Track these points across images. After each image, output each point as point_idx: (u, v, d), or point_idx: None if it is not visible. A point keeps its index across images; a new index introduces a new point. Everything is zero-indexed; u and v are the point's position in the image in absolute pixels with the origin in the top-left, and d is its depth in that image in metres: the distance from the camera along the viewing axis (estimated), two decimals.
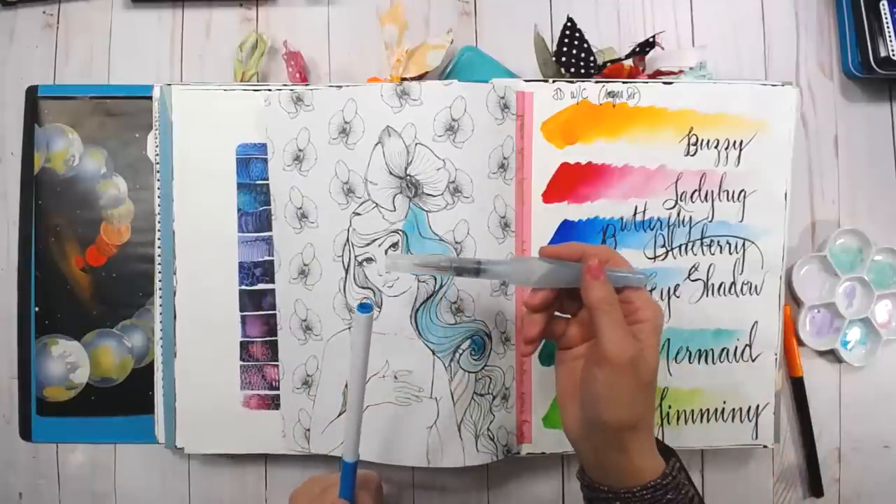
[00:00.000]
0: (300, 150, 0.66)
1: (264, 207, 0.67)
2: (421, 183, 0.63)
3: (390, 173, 0.63)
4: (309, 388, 0.66)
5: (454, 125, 0.63)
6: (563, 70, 0.69)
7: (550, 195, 0.66)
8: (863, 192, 0.76)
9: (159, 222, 0.68)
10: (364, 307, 0.51)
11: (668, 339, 0.68)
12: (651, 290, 0.68)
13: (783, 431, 0.74)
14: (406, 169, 0.63)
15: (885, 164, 0.76)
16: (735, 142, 0.67)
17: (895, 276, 0.75)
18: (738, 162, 0.67)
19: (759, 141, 0.67)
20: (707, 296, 0.68)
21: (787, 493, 0.74)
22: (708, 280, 0.68)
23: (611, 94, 0.66)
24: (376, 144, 0.63)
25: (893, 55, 0.71)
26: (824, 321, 0.75)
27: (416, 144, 0.63)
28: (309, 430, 0.67)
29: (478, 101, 0.63)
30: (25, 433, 0.73)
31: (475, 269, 0.53)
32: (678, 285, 0.68)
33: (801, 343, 0.74)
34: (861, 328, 0.75)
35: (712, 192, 0.67)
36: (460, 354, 0.64)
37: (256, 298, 0.68)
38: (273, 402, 0.68)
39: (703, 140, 0.67)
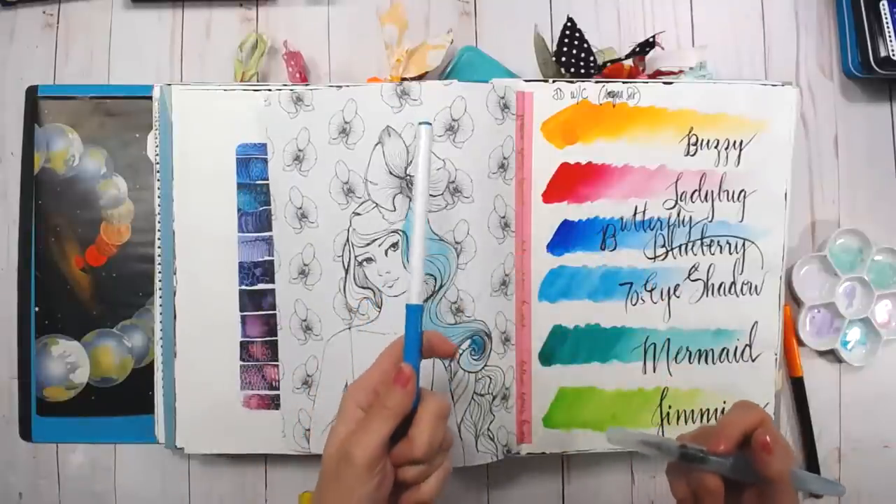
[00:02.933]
0: (300, 150, 0.66)
1: (264, 207, 0.67)
2: None
3: (390, 173, 0.63)
4: (309, 388, 0.66)
5: (454, 125, 0.63)
6: (563, 70, 0.69)
7: (550, 195, 0.66)
8: (863, 192, 0.76)
9: (159, 222, 0.68)
10: (426, 122, 0.51)
11: (668, 339, 0.68)
12: (651, 291, 0.68)
13: (783, 431, 0.74)
14: (406, 169, 0.63)
15: (885, 164, 0.76)
16: (735, 142, 0.67)
17: (895, 276, 0.74)
18: (738, 162, 0.67)
19: (759, 141, 0.67)
20: (707, 296, 0.68)
21: None
22: (708, 280, 0.68)
23: (611, 94, 0.66)
24: (376, 144, 0.63)
25: (893, 55, 0.71)
26: (824, 321, 0.75)
27: (416, 144, 0.63)
28: (309, 430, 0.67)
29: (478, 101, 0.63)
30: (25, 433, 0.73)
31: (701, 458, 0.48)
32: (678, 285, 0.68)
33: (801, 343, 0.74)
34: (861, 328, 0.75)
35: (712, 192, 0.67)
36: (460, 354, 0.64)
37: (256, 298, 0.68)
38: (273, 402, 0.68)
39: (703, 140, 0.67)
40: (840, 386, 0.75)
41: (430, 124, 0.51)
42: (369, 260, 0.64)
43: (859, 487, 0.75)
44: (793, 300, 0.75)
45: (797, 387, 0.74)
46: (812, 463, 0.74)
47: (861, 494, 0.75)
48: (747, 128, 0.67)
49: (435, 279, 0.63)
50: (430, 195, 0.63)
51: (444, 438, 0.51)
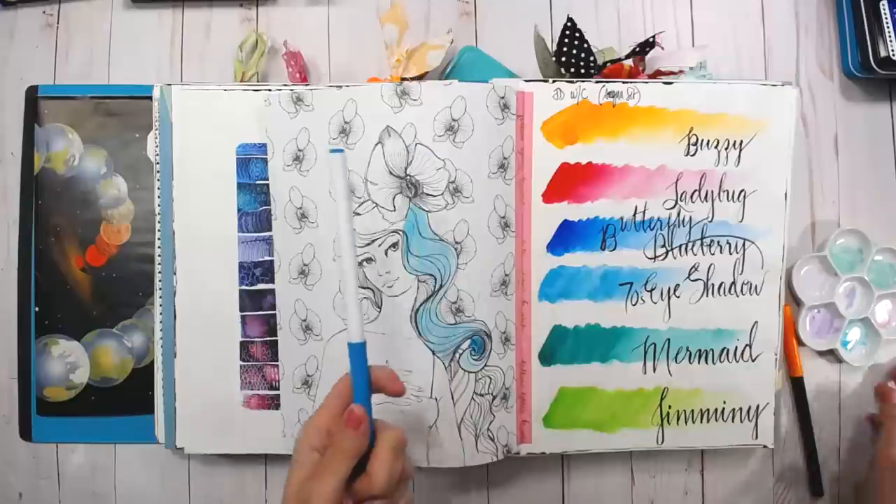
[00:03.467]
0: (300, 150, 0.66)
1: (264, 207, 0.67)
2: (421, 183, 0.63)
3: (390, 173, 0.63)
4: (309, 388, 0.66)
5: (454, 125, 0.63)
6: (563, 70, 0.69)
7: (550, 195, 0.66)
8: (863, 192, 0.76)
9: (159, 222, 0.68)
10: (336, 150, 0.50)
11: (668, 340, 0.68)
12: (651, 291, 0.68)
13: (782, 431, 0.74)
14: (406, 169, 0.63)
15: (885, 164, 0.76)
16: (735, 142, 0.67)
17: (895, 276, 0.74)
18: (738, 162, 0.67)
19: (759, 141, 0.67)
20: (707, 296, 0.68)
21: (787, 493, 0.74)
22: (708, 280, 0.68)
23: (611, 94, 0.66)
24: (376, 144, 0.63)
25: (893, 55, 0.71)
26: (824, 321, 0.75)
27: (416, 144, 0.63)
28: None
29: (478, 101, 0.63)
30: (25, 433, 0.73)
31: None
32: (678, 285, 0.68)
33: (801, 343, 0.74)
34: (861, 328, 0.75)
35: (712, 192, 0.67)
36: (460, 354, 0.64)
37: (256, 298, 0.68)
38: (273, 402, 0.68)
39: (703, 140, 0.67)
40: (840, 386, 0.75)
41: (342, 151, 0.51)
42: (369, 260, 0.64)
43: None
44: (793, 300, 0.75)
45: (797, 387, 0.74)
46: (812, 463, 0.74)
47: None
48: (747, 128, 0.67)
49: (435, 279, 0.63)
50: (431, 195, 0.63)
51: (403, 470, 0.51)
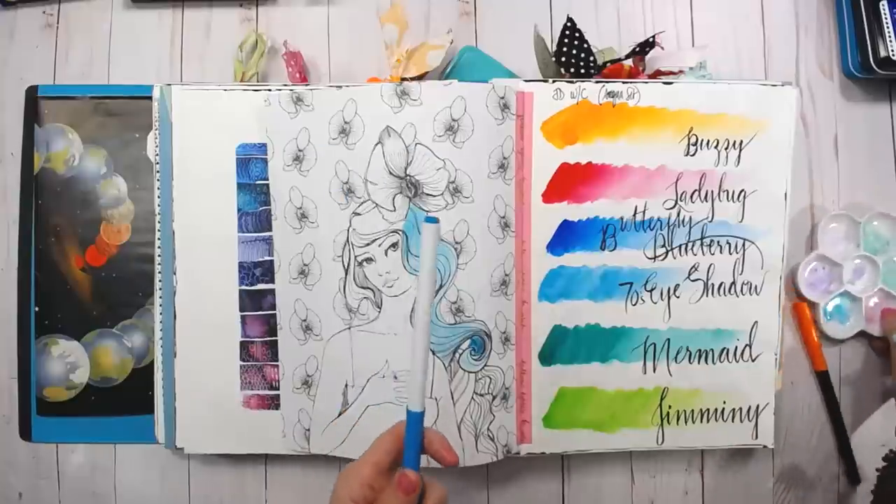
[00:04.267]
0: (300, 151, 0.66)
1: (264, 207, 0.67)
2: (421, 183, 0.63)
3: (390, 173, 0.63)
4: (309, 388, 0.66)
5: (454, 125, 0.63)
6: (563, 70, 0.69)
7: (550, 195, 0.66)
8: (863, 192, 0.76)
9: (159, 222, 0.68)
10: (431, 219, 0.46)
11: (668, 340, 0.68)
12: (651, 291, 0.68)
13: (782, 431, 0.74)
14: (406, 169, 0.63)
15: (885, 164, 0.76)
16: (735, 142, 0.67)
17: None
18: (738, 162, 0.67)
19: (758, 141, 0.67)
20: (707, 296, 0.68)
21: (787, 493, 0.74)
22: (708, 280, 0.68)
23: (611, 94, 0.66)
24: (376, 144, 0.63)
25: (893, 55, 0.71)
26: (822, 279, 0.75)
27: (415, 144, 0.63)
28: (309, 430, 0.67)
29: (477, 102, 0.63)
30: (25, 433, 0.73)
31: None
32: (678, 285, 0.68)
33: (799, 295, 0.74)
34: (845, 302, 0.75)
35: (712, 192, 0.67)
36: (460, 354, 0.64)
37: (256, 298, 0.68)
38: (273, 402, 0.68)
39: (702, 140, 0.67)
40: (840, 386, 0.75)
41: (437, 221, 0.46)
42: (369, 260, 0.64)
43: (859, 487, 0.74)
44: (796, 296, 0.74)
45: (823, 380, 0.74)
46: (847, 453, 0.74)
47: (860, 494, 0.74)
48: (747, 128, 0.67)
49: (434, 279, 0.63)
50: (430, 195, 0.63)
51: None
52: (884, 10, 0.72)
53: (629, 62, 0.71)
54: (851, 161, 0.76)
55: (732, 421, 0.69)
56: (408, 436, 0.49)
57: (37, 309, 0.72)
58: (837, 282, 0.74)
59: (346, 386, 0.65)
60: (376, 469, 0.49)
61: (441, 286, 0.63)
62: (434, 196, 0.63)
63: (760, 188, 0.67)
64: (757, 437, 0.69)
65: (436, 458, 0.50)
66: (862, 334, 0.74)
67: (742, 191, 0.67)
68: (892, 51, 0.71)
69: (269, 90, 0.67)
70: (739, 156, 0.67)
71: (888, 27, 0.72)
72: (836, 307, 0.74)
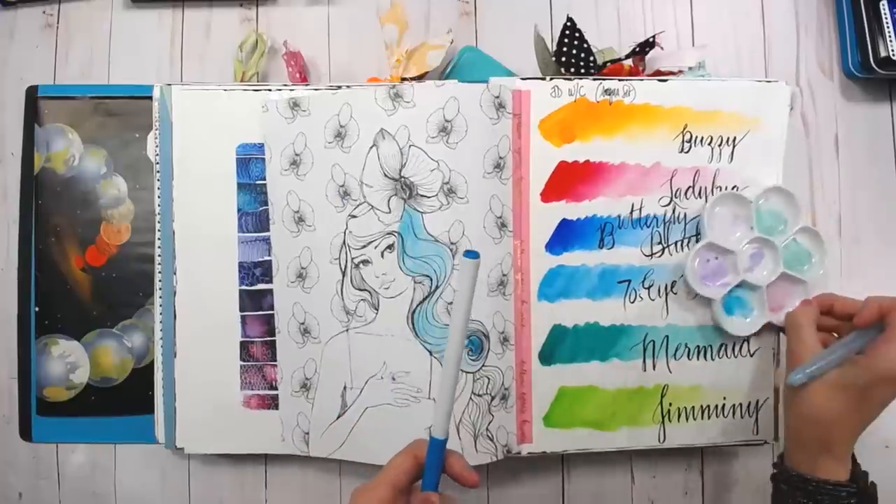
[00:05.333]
0: (297, 155, 0.66)
1: (264, 207, 0.67)
2: (415, 184, 0.63)
3: (385, 175, 0.63)
4: (307, 391, 0.66)
5: (447, 126, 0.63)
6: (562, 70, 0.69)
7: (549, 194, 0.66)
8: (863, 192, 0.75)
9: (159, 222, 0.68)
10: (471, 253, 0.47)
11: (667, 337, 0.68)
12: (648, 288, 0.68)
13: (782, 431, 0.74)
14: (400, 171, 0.63)
15: (885, 164, 0.76)
16: (728, 138, 0.67)
17: (808, 262, 0.68)
18: (732, 158, 0.67)
19: (751, 137, 0.67)
20: None
21: None
22: None
23: (607, 91, 0.66)
24: (371, 147, 0.63)
25: (893, 55, 0.71)
26: (718, 270, 0.68)
27: (409, 146, 0.63)
28: (308, 433, 0.67)
29: (471, 102, 0.63)
30: (25, 433, 0.73)
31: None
32: (675, 282, 0.68)
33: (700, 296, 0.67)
34: (750, 296, 0.68)
35: (706, 188, 0.67)
36: None
37: (256, 298, 0.68)
38: (273, 403, 0.68)
39: (696, 137, 0.67)
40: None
41: (478, 256, 0.46)
42: (366, 262, 0.64)
43: None
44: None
45: None
46: None
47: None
48: (740, 124, 0.67)
49: (430, 280, 0.63)
50: (425, 196, 0.63)
51: None
52: (884, 9, 0.72)
53: (629, 62, 0.71)
54: (851, 161, 0.76)
55: (733, 417, 0.69)
56: (429, 459, 0.50)
57: (37, 309, 0.72)
58: (733, 272, 0.67)
59: (345, 388, 0.65)
60: (394, 490, 0.50)
61: (437, 287, 0.63)
62: (429, 197, 0.63)
63: (753, 184, 0.67)
64: (757, 432, 0.69)
65: (458, 480, 0.51)
66: (769, 328, 0.68)
67: (735, 187, 0.67)
68: (892, 51, 0.71)
69: (269, 90, 0.67)
70: (733, 152, 0.67)
71: (888, 27, 0.72)
72: (736, 300, 0.68)
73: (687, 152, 0.67)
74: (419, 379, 0.64)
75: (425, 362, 0.64)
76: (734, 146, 0.67)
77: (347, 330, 0.65)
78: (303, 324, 0.66)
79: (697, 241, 0.67)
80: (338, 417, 0.65)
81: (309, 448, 0.67)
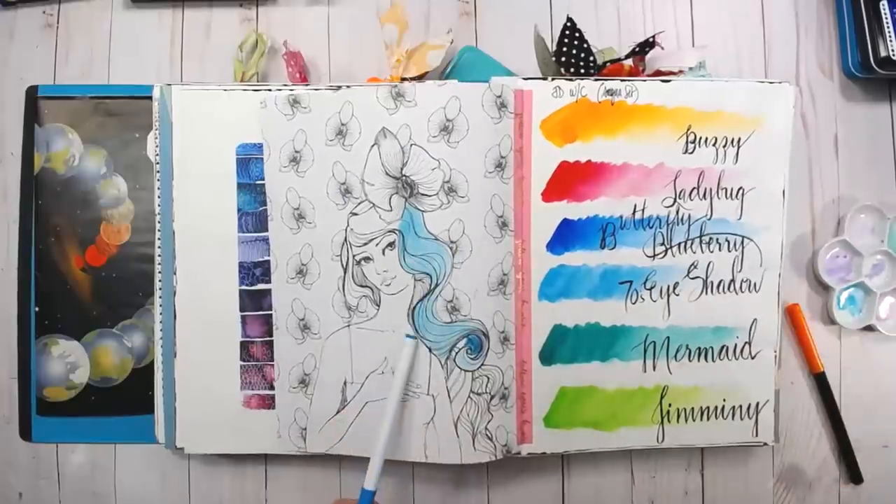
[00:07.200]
0: (297, 152, 0.66)
1: (264, 207, 0.67)
2: (416, 183, 0.63)
3: (386, 174, 0.63)
4: (306, 386, 0.66)
5: (448, 125, 0.63)
6: (562, 70, 0.69)
7: (550, 194, 0.66)
8: (863, 193, 0.75)
9: (159, 222, 0.68)
10: (410, 336, 0.62)
11: (668, 338, 0.68)
12: (650, 289, 0.68)
13: (782, 431, 0.74)
14: (402, 169, 0.63)
15: (885, 164, 0.76)
16: (732, 139, 0.67)
17: None
18: (736, 159, 0.67)
19: (756, 138, 0.67)
20: (706, 293, 0.68)
21: (787, 492, 0.74)
22: (707, 278, 0.68)
23: (609, 91, 0.66)
24: (372, 146, 0.63)
25: (893, 55, 0.71)
26: (843, 265, 0.75)
27: (410, 145, 0.63)
28: (305, 429, 0.67)
29: (473, 101, 0.63)
30: (25, 433, 0.73)
31: None
32: (677, 283, 0.68)
33: (821, 282, 0.74)
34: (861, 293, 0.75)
35: (710, 189, 0.67)
36: (456, 353, 0.64)
37: (256, 298, 0.68)
38: (273, 403, 0.68)
39: (700, 138, 0.67)
40: (840, 387, 0.75)
41: (416, 338, 0.63)
42: (367, 259, 0.64)
43: (859, 487, 0.74)
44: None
45: (820, 383, 0.74)
46: (848, 453, 0.74)
47: (861, 494, 0.74)
48: (745, 125, 0.67)
49: (430, 278, 0.63)
50: (426, 195, 0.63)
51: None
52: (884, 9, 0.72)
53: (629, 62, 0.71)
54: (851, 161, 0.76)
55: (733, 418, 0.69)
56: None
57: (37, 309, 0.72)
58: (856, 272, 0.74)
59: (345, 383, 0.65)
60: None
61: (437, 285, 0.63)
62: (429, 196, 0.63)
63: (758, 185, 0.67)
64: (757, 434, 0.69)
65: None
66: (868, 329, 0.74)
67: (740, 188, 0.67)
68: (893, 51, 0.71)
69: (269, 90, 0.67)
70: (737, 153, 0.67)
71: (888, 27, 0.72)
72: (850, 297, 0.75)
73: (691, 153, 0.67)
74: (419, 375, 0.64)
75: (424, 359, 0.64)
76: (739, 147, 0.67)
77: (349, 325, 0.65)
78: (302, 320, 0.66)
79: (701, 242, 0.68)
80: (337, 412, 0.66)
81: (306, 444, 0.67)
